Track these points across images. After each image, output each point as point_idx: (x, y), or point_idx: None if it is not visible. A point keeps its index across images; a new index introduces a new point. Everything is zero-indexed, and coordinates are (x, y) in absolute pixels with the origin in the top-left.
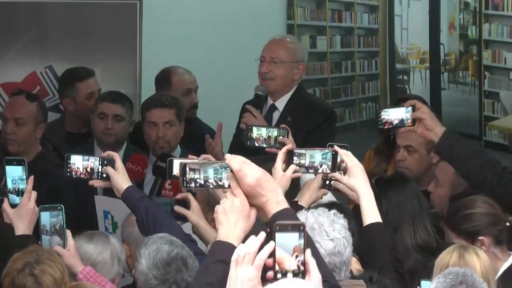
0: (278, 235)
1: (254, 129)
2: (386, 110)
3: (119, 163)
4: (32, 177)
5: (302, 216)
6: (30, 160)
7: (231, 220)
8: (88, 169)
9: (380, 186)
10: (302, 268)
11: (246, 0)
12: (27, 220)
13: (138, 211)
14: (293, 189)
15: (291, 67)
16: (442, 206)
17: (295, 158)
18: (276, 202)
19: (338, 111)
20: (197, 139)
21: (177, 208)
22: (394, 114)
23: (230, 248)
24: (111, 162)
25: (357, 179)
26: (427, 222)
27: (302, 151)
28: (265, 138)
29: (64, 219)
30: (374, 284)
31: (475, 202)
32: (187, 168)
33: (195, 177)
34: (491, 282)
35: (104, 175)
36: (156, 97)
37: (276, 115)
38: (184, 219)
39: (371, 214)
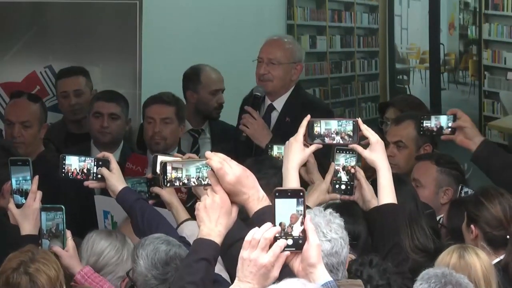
0: (277, 201)
1: (275, 147)
2: (428, 117)
3: (114, 164)
4: (37, 177)
5: None
6: (33, 160)
7: (212, 217)
8: (85, 170)
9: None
10: (301, 234)
11: (246, 0)
12: (33, 220)
13: (133, 213)
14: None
15: (289, 68)
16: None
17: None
18: (257, 199)
19: (338, 111)
20: (222, 135)
21: (152, 188)
22: (435, 122)
23: (212, 246)
24: (106, 163)
25: (378, 155)
26: (424, 223)
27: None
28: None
29: (65, 220)
30: (374, 268)
31: (497, 198)
32: (169, 167)
33: (178, 176)
34: (492, 282)
35: (100, 176)
36: (158, 94)
37: (274, 115)
38: (158, 197)
39: (387, 194)
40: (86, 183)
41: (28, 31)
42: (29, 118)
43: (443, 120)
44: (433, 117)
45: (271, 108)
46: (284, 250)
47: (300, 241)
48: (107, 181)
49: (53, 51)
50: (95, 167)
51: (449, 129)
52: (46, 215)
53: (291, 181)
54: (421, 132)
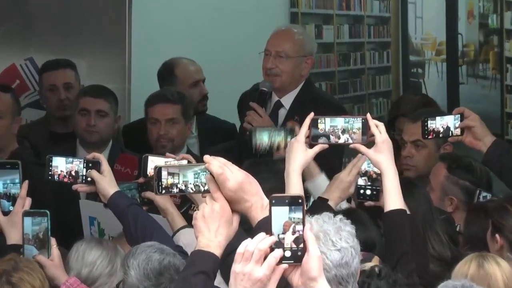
0: (274, 209)
1: (257, 132)
2: (432, 118)
3: (105, 166)
4: (26, 182)
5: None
6: (6, 158)
7: (211, 227)
8: (72, 173)
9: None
10: (301, 245)
11: None
12: (21, 229)
13: (125, 220)
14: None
15: (299, 62)
16: None
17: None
18: (261, 208)
19: (347, 107)
20: (211, 133)
21: (144, 193)
22: (440, 122)
23: (212, 258)
24: (96, 165)
25: (384, 156)
26: (439, 229)
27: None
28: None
29: (50, 227)
30: (383, 280)
31: None
32: (164, 172)
33: (174, 182)
34: None
35: (89, 179)
36: (160, 92)
37: (282, 113)
38: (151, 203)
39: (393, 199)
40: (74, 186)
41: (7, 20)
42: (0, 108)
43: (450, 120)
44: (438, 118)
45: (279, 105)
46: (281, 262)
47: (299, 253)
48: (98, 184)
49: (34, 42)
50: (84, 169)
51: (458, 130)
52: (32, 219)
53: (293, 185)
54: (426, 136)
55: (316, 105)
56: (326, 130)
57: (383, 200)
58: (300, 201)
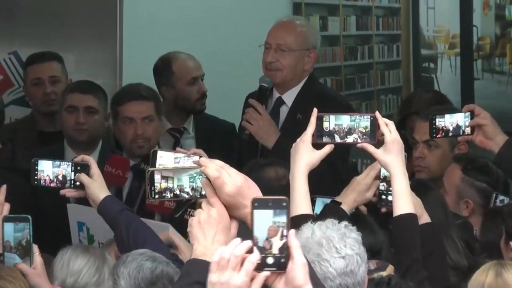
0: (256, 213)
1: None
2: (441, 115)
3: (95, 169)
4: (4, 186)
5: (307, 229)
6: None
7: (208, 234)
8: (60, 177)
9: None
10: (284, 252)
11: None
12: (0, 236)
13: (117, 226)
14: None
15: (301, 56)
16: None
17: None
18: None
19: (353, 104)
20: (209, 133)
21: (79, 175)
22: (450, 120)
23: (208, 267)
24: (85, 168)
25: (393, 157)
26: (455, 236)
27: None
28: None
29: (31, 233)
30: None
31: None
32: (157, 176)
33: (168, 186)
34: None
35: (78, 183)
36: (131, 88)
37: (284, 111)
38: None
39: (403, 203)
40: (62, 191)
41: None
42: None
43: (460, 118)
44: (447, 115)
45: (280, 102)
46: (264, 270)
47: (283, 260)
48: (87, 189)
49: (19, 35)
50: (72, 173)
51: (468, 129)
52: (14, 226)
53: (298, 188)
54: (433, 134)
55: (320, 102)
56: (331, 128)
57: (395, 202)
58: (284, 204)
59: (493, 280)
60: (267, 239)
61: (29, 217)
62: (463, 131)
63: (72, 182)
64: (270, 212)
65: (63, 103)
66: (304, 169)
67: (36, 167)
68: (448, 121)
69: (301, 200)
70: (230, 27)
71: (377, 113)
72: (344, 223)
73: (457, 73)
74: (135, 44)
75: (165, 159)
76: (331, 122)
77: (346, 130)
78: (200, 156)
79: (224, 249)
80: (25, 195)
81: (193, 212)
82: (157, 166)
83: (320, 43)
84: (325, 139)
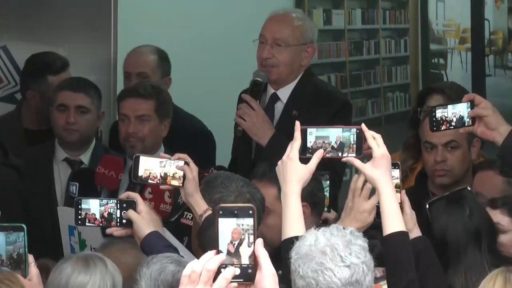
0: (221, 221)
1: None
2: (441, 107)
3: (142, 206)
4: None
5: (311, 235)
6: None
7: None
8: (105, 215)
9: (435, 209)
10: (252, 262)
11: None
12: None
13: None
14: None
15: (299, 51)
16: None
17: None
18: None
19: (359, 102)
20: (179, 135)
21: (126, 213)
22: (452, 111)
23: None
24: (131, 205)
25: (381, 173)
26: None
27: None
28: None
29: (26, 243)
30: None
31: None
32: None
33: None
34: None
35: (124, 220)
36: (134, 85)
37: (279, 107)
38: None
39: (393, 220)
40: (108, 230)
41: None
42: None
43: (463, 109)
44: (449, 106)
45: (275, 98)
46: (231, 281)
47: (250, 270)
48: (136, 226)
49: (8, 29)
50: (118, 211)
51: (469, 119)
52: (6, 237)
53: (292, 208)
54: (434, 127)
55: (317, 98)
56: (316, 142)
57: (384, 221)
58: (250, 212)
59: (502, 287)
60: (231, 241)
61: (24, 226)
62: (465, 122)
63: (118, 219)
64: (234, 220)
65: (54, 100)
66: (297, 187)
67: (80, 206)
68: (450, 111)
69: (294, 221)
70: (228, 21)
71: (363, 126)
72: (350, 229)
73: (468, 69)
74: (130, 39)
75: (149, 164)
76: (315, 135)
77: (333, 143)
78: (185, 161)
79: (196, 263)
80: (18, 193)
81: (189, 215)
82: (140, 172)
83: (320, 37)
84: (308, 154)
